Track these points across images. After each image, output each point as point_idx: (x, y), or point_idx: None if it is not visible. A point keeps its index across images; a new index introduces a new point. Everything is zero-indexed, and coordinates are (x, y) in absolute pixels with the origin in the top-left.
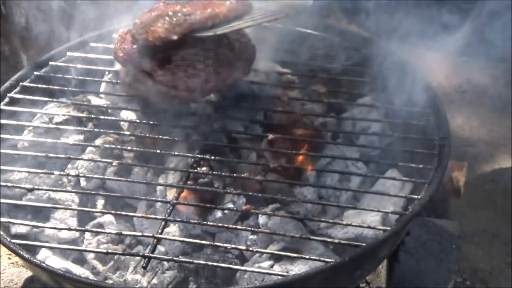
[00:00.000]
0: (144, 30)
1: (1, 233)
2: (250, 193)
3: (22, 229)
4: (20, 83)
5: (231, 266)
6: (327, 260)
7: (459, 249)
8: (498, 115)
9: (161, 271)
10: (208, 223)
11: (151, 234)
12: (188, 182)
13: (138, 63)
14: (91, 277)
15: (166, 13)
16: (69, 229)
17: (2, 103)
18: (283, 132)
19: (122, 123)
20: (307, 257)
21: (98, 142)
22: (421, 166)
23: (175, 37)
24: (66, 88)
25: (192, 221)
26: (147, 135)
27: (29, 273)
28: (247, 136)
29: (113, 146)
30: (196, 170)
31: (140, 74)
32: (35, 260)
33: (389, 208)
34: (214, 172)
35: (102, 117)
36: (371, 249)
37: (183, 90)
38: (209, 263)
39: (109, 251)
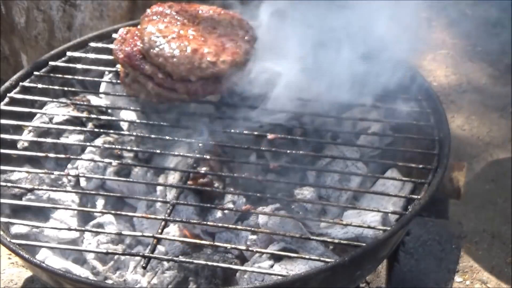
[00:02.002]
0: (164, 59)
1: (1, 233)
2: (250, 193)
3: (22, 229)
4: (20, 83)
5: (231, 266)
6: (327, 260)
7: (459, 249)
8: (498, 115)
9: (161, 271)
10: (208, 223)
11: (151, 234)
12: (188, 182)
13: (138, 65)
14: (91, 277)
15: (185, 41)
16: (69, 229)
17: (2, 103)
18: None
19: (122, 123)
20: (307, 257)
21: (98, 142)
22: (421, 166)
23: (193, 79)
24: (66, 88)
25: (192, 221)
26: (147, 135)
27: (29, 273)
28: (247, 135)
29: (113, 146)
30: (196, 170)
31: (140, 76)
32: (35, 260)
33: (389, 208)
34: (214, 172)
35: (102, 117)
36: (371, 249)
37: (183, 93)
38: (209, 263)
39: (109, 251)
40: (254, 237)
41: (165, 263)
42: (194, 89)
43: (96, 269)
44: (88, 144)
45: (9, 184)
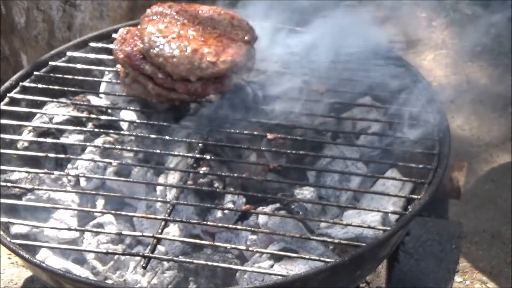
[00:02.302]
0: (164, 59)
1: (1, 233)
2: (250, 193)
3: (22, 229)
4: (20, 83)
5: (231, 266)
6: (327, 260)
7: (459, 249)
8: (498, 115)
9: (161, 271)
10: (208, 223)
11: (151, 234)
12: (188, 182)
13: (139, 65)
14: (91, 277)
15: (185, 41)
16: (69, 229)
17: (2, 103)
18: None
19: (122, 123)
20: (307, 257)
21: (98, 142)
22: (421, 166)
23: (193, 79)
24: (66, 88)
25: (192, 221)
26: (147, 135)
27: (29, 273)
28: (247, 135)
29: (113, 146)
30: (196, 170)
31: (140, 76)
32: (35, 260)
33: (389, 208)
34: (214, 172)
35: (102, 117)
36: (371, 249)
37: (183, 93)
38: (209, 263)
39: (109, 251)
40: (254, 237)
41: (165, 263)
42: (194, 89)
43: (96, 269)
44: (88, 144)
45: (9, 184)
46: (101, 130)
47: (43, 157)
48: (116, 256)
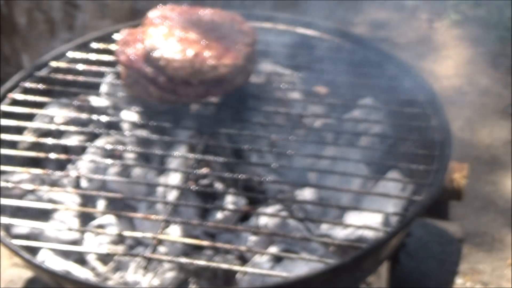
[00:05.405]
0: (166, 62)
1: (2, 234)
2: (250, 194)
3: (23, 230)
4: (21, 84)
5: (232, 267)
6: (328, 261)
7: (459, 251)
8: (499, 117)
9: (162, 272)
10: (209, 223)
11: (151, 235)
12: (189, 183)
13: (140, 67)
14: (92, 278)
15: (187, 44)
16: (70, 230)
17: (2, 104)
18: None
19: (123, 123)
20: (308, 258)
21: (99, 142)
22: (422, 167)
23: (194, 82)
24: (67, 89)
25: (193, 222)
26: (148, 136)
27: (29, 274)
28: (248, 136)
29: (114, 146)
30: (196, 171)
31: (142, 78)
32: (35, 261)
33: (390, 209)
34: (214, 173)
35: (103, 117)
36: (372, 251)
37: (184, 95)
38: (210, 264)
39: (110, 252)
40: (255, 238)
41: (165, 264)
42: (195, 92)
43: (96, 270)
44: (89, 144)
45: (10, 185)
46: (102, 131)
47: (44, 158)
48: (116, 257)
